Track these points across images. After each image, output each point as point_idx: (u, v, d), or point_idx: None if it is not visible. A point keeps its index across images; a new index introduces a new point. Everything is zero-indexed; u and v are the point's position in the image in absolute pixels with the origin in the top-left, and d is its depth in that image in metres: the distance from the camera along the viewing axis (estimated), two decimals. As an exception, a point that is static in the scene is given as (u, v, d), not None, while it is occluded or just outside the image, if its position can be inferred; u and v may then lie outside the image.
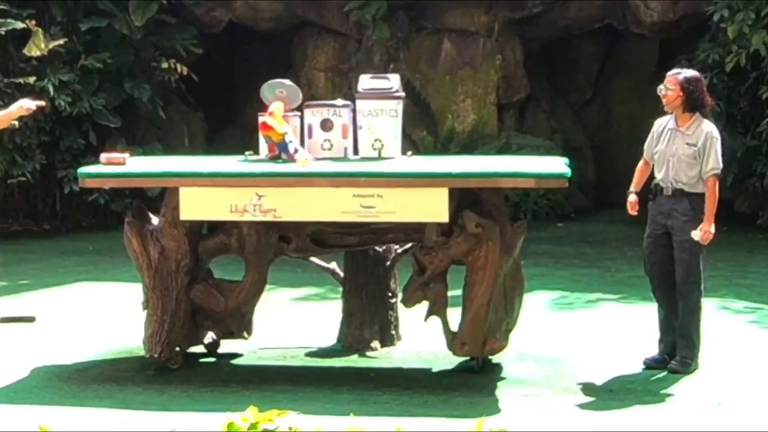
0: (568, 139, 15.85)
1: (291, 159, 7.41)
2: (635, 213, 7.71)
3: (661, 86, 7.60)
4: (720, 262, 11.40)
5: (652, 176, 7.79)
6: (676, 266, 7.50)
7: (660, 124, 7.72)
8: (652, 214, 7.65)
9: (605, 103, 16.76)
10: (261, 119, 7.54)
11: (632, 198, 7.74)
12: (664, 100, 7.57)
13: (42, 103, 8.96)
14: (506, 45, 15.63)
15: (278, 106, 7.56)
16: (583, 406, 6.73)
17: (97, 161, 7.89)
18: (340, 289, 8.25)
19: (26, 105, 8.66)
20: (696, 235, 7.36)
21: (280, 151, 7.47)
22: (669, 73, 7.68)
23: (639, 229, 14.01)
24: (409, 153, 7.98)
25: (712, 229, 7.42)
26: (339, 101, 7.98)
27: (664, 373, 7.42)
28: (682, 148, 7.49)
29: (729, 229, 13.57)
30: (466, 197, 7.23)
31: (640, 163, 7.83)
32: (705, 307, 9.53)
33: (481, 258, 7.15)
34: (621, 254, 12.38)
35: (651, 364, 7.57)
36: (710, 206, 7.40)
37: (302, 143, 7.77)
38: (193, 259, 7.55)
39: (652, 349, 8.04)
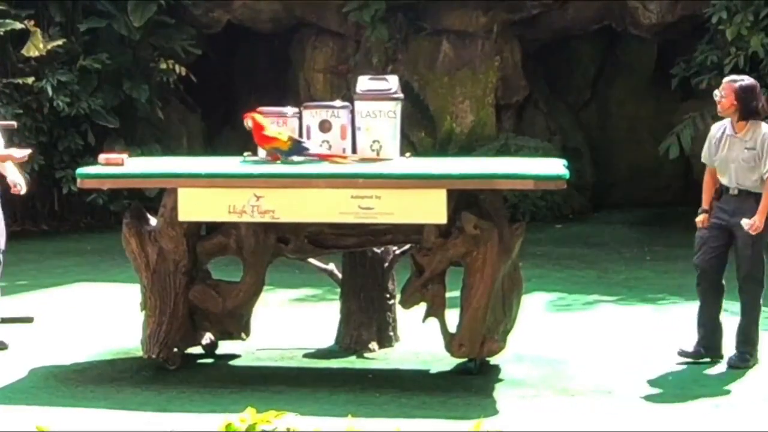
0: (567, 141, 15.84)
1: (321, 158, 7.43)
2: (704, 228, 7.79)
3: (717, 91, 7.78)
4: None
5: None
6: (738, 262, 7.64)
7: (717, 129, 7.86)
8: (715, 209, 7.75)
9: (604, 104, 16.76)
10: (258, 133, 7.56)
11: (702, 216, 7.79)
12: (718, 107, 7.74)
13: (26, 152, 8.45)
14: (505, 46, 15.63)
15: (254, 115, 7.61)
16: (581, 407, 6.73)
17: (95, 162, 7.89)
18: (338, 290, 8.24)
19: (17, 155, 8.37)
20: (746, 223, 7.46)
21: (290, 156, 7.48)
22: (725, 80, 7.86)
23: (637, 230, 14.10)
24: (408, 154, 7.97)
25: (763, 223, 7.51)
26: (337, 102, 7.99)
27: (662, 373, 7.42)
28: (742, 154, 7.59)
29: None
30: (465, 198, 7.23)
31: (706, 177, 7.88)
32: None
33: (480, 259, 7.15)
34: (619, 255, 12.38)
35: (686, 355, 7.67)
36: (765, 203, 7.48)
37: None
38: (192, 259, 7.55)
39: (650, 350, 8.05)
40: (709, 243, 7.68)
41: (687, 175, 16.11)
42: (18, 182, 8.31)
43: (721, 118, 7.87)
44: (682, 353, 7.70)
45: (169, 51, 15.21)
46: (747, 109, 7.62)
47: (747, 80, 7.79)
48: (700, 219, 7.76)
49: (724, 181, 7.66)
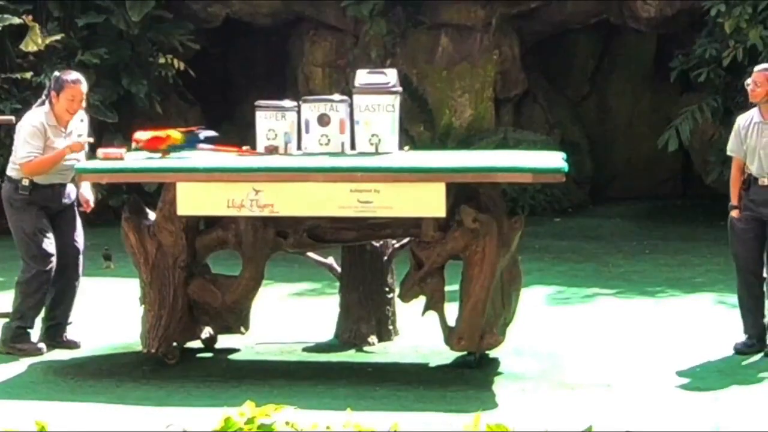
0: (566, 134, 15.84)
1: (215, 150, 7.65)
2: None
3: (749, 81, 7.83)
4: (716, 257, 11.40)
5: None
6: None
7: (744, 120, 7.90)
8: (745, 202, 7.78)
9: (602, 98, 16.76)
10: (150, 142, 7.68)
11: (735, 213, 7.84)
12: (750, 95, 7.82)
13: (86, 141, 8.11)
14: (503, 40, 15.62)
15: (135, 136, 7.80)
16: (580, 400, 6.73)
17: (94, 156, 7.88)
18: (338, 284, 8.24)
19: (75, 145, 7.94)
20: None
21: (188, 146, 7.67)
22: (757, 69, 7.88)
23: (636, 223, 14.10)
24: (406, 148, 7.97)
25: None
26: (336, 96, 7.98)
27: (661, 366, 7.42)
28: None
29: (726, 223, 13.58)
30: (464, 192, 7.23)
31: (734, 172, 7.90)
32: (703, 302, 9.57)
33: (479, 253, 7.14)
34: (618, 249, 12.38)
35: (742, 349, 7.73)
36: None
37: (299, 138, 7.78)
38: (190, 254, 7.55)
39: (649, 343, 8.05)
40: (744, 235, 7.78)
41: (686, 168, 16.14)
42: (89, 199, 8.21)
43: (740, 110, 7.95)
44: (739, 347, 7.77)
45: (167, 46, 15.20)
46: None
47: None
48: (734, 214, 7.83)
49: (753, 169, 7.71)
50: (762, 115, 7.74)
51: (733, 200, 7.83)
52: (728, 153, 7.98)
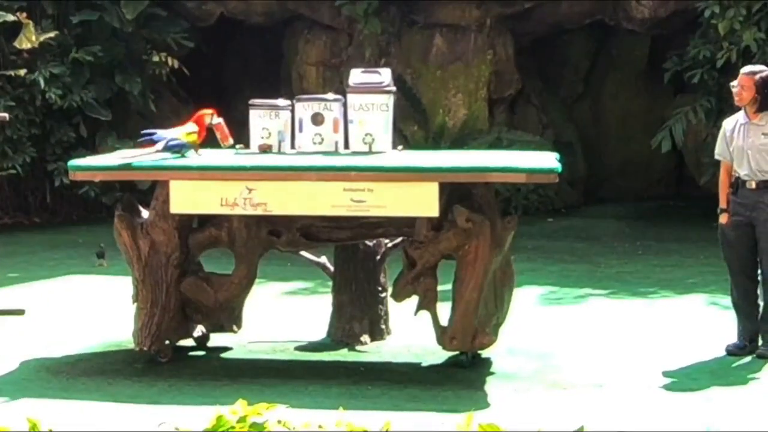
0: (559, 135, 15.85)
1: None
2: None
3: (734, 83, 7.78)
4: (710, 258, 11.41)
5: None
6: (761, 257, 7.68)
7: (729, 123, 7.88)
8: (733, 206, 7.75)
9: (596, 98, 16.77)
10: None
11: (723, 218, 7.80)
12: (736, 98, 7.76)
13: None
14: (497, 40, 15.63)
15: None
16: (572, 400, 6.73)
17: (87, 154, 7.87)
18: (330, 283, 8.24)
19: None
20: None
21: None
22: (742, 72, 7.84)
23: (629, 224, 14.12)
24: (400, 147, 7.97)
25: None
26: (330, 95, 7.99)
27: (654, 366, 7.43)
28: (759, 140, 7.65)
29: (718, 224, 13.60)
30: (457, 192, 7.24)
31: (722, 175, 7.87)
32: (695, 303, 9.58)
33: (471, 253, 7.15)
34: (611, 249, 12.40)
35: (734, 351, 7.72)
36: None
37: (293, 137, 7.78)
38: (183, 252, 7.55)
39: (641, 343, 8.06)
40: (737, 239, 7.74)
41: (679, 169, 16.16)
42: None
43: (733, 112, 7.91)
44: (731, 349, 7.74)
45: (161, 44, 15.19)
46: (766, 99, 7.68)
47: (765, 71, 7.82)
48: (723, 219, 7.79)
49: (742, 171, 7.67)
50: (748, 116, 7.72)
51: (722, 203, 7.81)
52: (716, 157, 7.97)
